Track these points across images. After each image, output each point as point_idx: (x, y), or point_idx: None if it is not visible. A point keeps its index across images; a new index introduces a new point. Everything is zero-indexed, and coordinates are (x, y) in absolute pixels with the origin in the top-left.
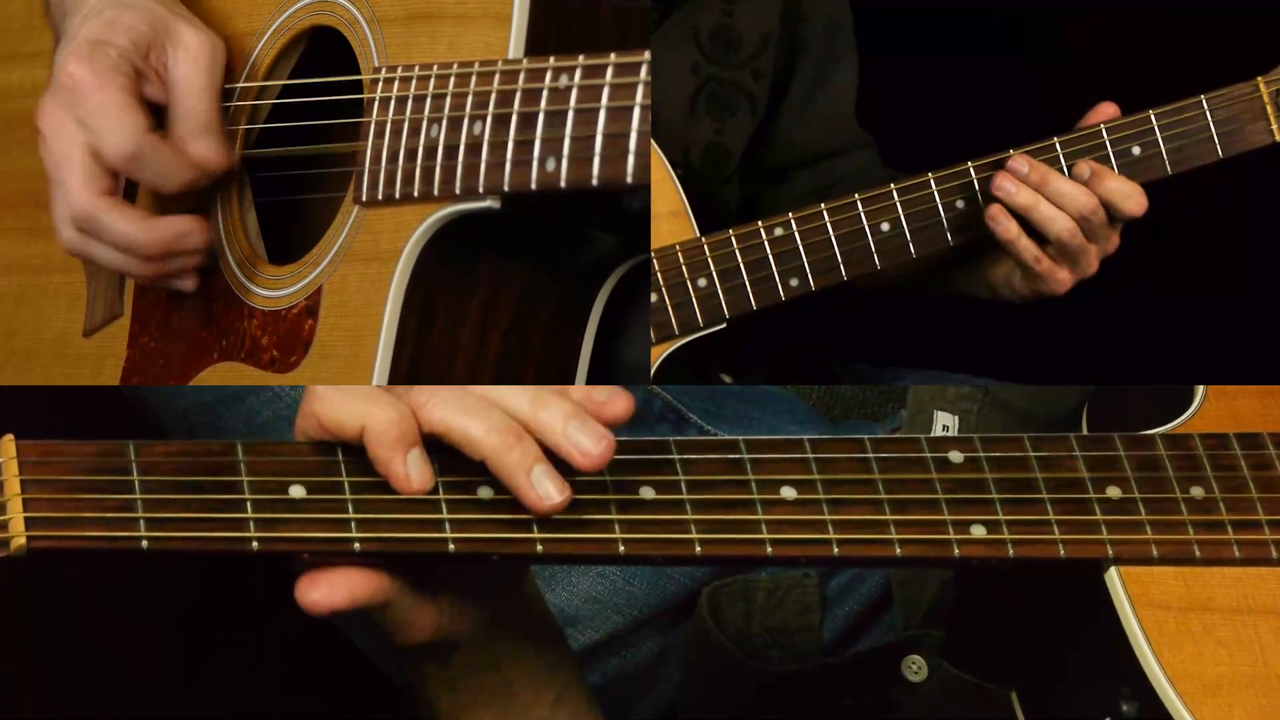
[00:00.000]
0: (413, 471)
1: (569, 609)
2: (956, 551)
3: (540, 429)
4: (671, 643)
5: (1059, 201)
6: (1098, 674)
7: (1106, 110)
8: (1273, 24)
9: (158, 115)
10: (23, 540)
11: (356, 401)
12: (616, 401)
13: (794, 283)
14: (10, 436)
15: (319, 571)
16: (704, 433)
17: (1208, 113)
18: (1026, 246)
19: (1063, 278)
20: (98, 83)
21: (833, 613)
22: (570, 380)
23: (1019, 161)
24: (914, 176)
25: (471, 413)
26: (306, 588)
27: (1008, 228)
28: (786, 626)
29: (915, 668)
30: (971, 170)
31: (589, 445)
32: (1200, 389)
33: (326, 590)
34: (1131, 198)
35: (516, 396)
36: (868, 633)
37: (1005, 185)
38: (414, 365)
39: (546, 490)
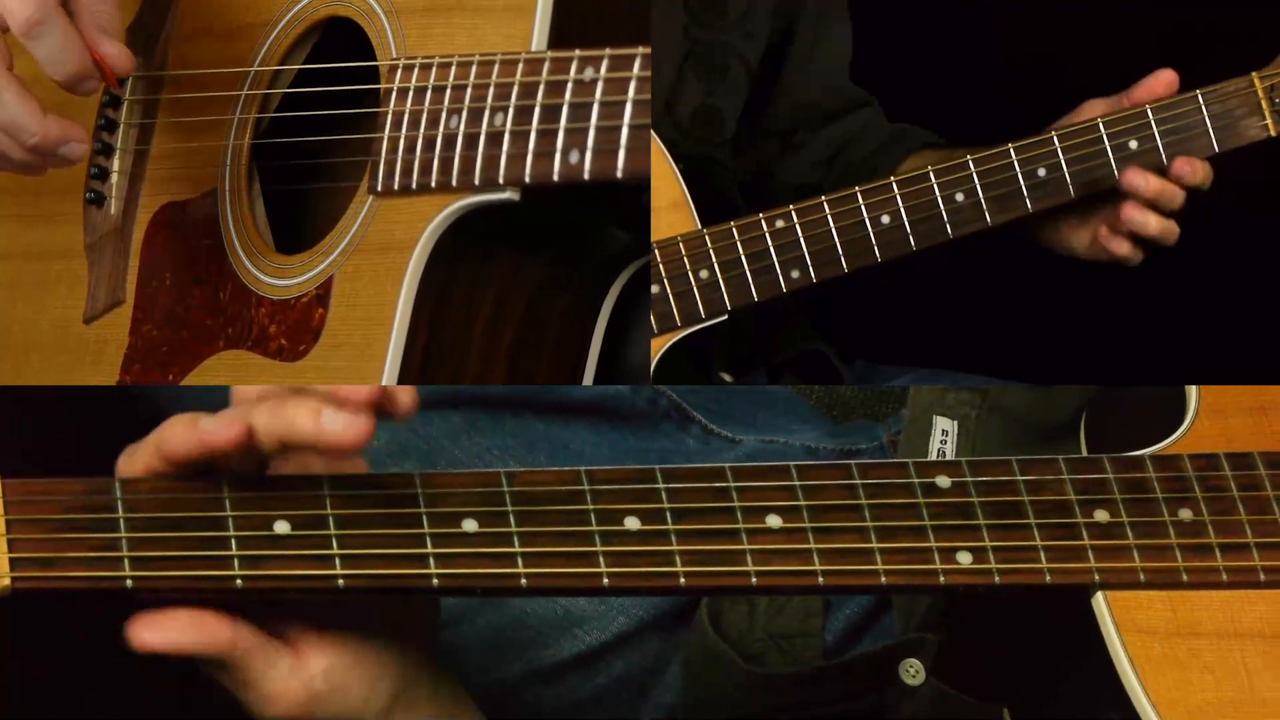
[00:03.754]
0: (209, 425)
1: (575, 610)
2: (942, 580)
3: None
4: (675, 644)
5: (1164, 206)
6: (1086, 698)
7: (1165, 77)
8: (1268, 20)
9: None
10: (7, 581)
11: (144, 441)
12: (401, 397)
13: (795, 274)
14: None
15: (155, 611)
16: (708, 432)
17: (1203, 107)
18: (1135, 254)
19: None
20: None
21: (833, 616)
22: (580, 378)
23: (1135, 178)
24: (916, 171)
25: (252, 411)
26: (137, 626)
27: (1120, 245)
28: (788, 631)
29: (913, 671)
30: (971, 164)
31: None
32: (1192, 403)
33: (152, 629)
34: (1210, 177)
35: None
36: (867, 635)
37: (1135, 217)
38: (427, 355)
39: (338, 424)
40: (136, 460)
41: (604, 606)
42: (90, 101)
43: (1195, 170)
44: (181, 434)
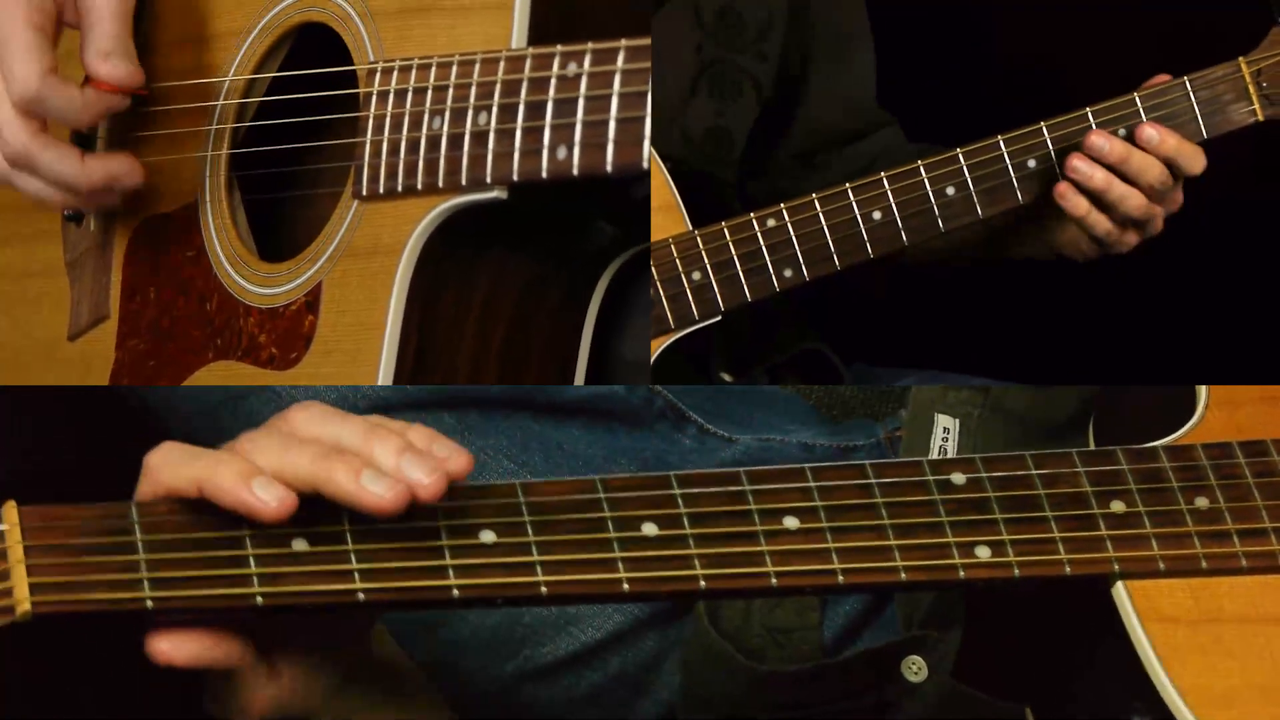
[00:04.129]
0: (262, 494)
1: (570, 608)
2: (962, 574)
3: (372, 459)
4: (672, 641)
5: (1134, 177)
6: (1110, 689)
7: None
8: (1254, 4)
9: None
10: (28, 606)
11: (188, 463)
12: (455, 459)
13: (788, 273)
14: (12, 503)
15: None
16: (704, 432)
17: (1191, 93)
18: (1097, 220)
19: (1130, 240)
20: (8, 19)
21: (832, 612)
22: (571, 373)
23: (1099, 139)
24: (907, 165)
25: (294, 450)
26: (157, 637)
27: (1077, 204)
28: (786, 626)
29: (915, 668)
30: (960, 157)
31: (421, 476)
32: (1202, 397)
33: (174, 643)
34: (1195, 157)
35: (350, 430)
36: (867, 632)
37: (1080, 167)
38: (418, 359)
39: (378, 489)
40: (175, 476)
41: (599, 605)
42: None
43: (1164, 138)
44: (230, 490)
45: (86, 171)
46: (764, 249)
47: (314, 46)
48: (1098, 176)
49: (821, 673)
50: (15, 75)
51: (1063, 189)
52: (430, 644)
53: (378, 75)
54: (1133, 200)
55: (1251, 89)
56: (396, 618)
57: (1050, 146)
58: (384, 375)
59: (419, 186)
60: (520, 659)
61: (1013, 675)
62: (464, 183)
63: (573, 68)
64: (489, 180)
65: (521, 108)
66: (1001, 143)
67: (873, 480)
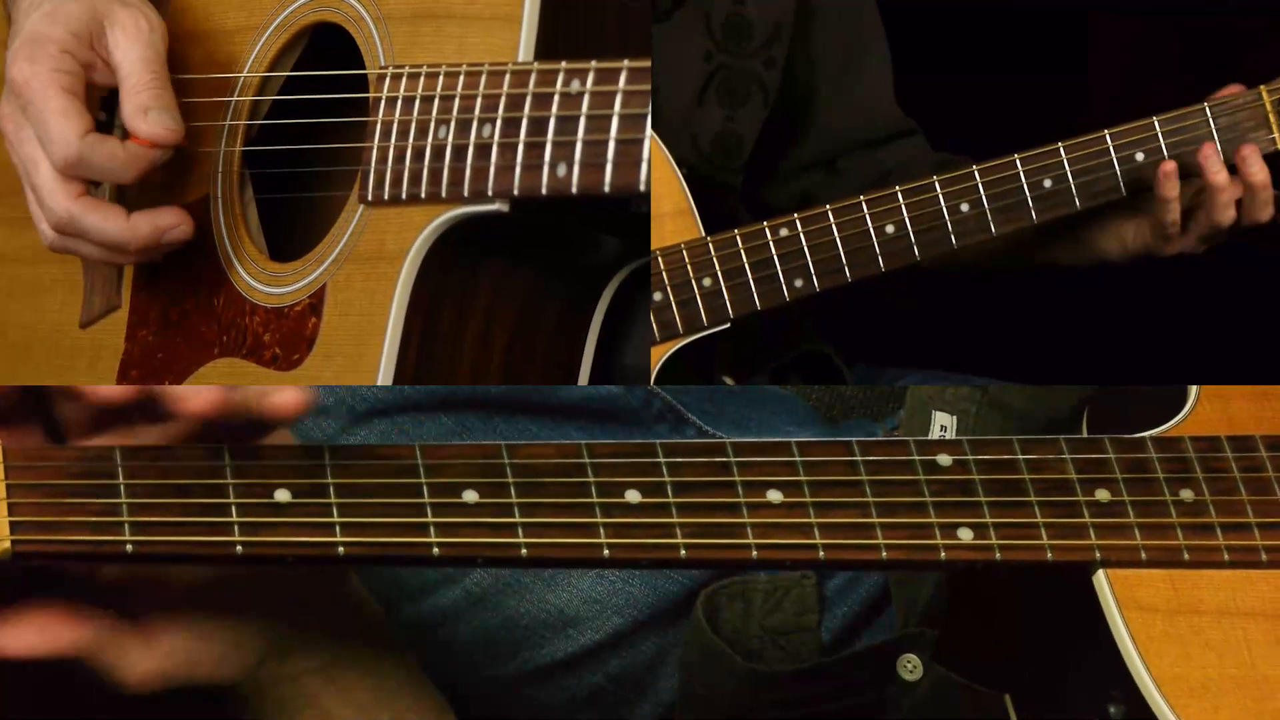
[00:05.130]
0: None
1: (569, 610)
2: (943, 555)
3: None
4: (671, 643)
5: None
6: (1087, 676)
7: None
8: (1276, 32)
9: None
10: (7, 544)
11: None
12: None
13: (798, 283)
14: None
15: (6, 613)
16: (703, 433)
17: (1210, 119)
18: (1173, 212)
19: (1175, 245)
20: (39, 85)
21: (831, 613)
22: (574, 381)
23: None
24: (923, 179)
25: None
26: None
27: (1172, 187)
28: (784, 627)
29: (910, 666)
30: (976, 174)
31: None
32: (1193, 391)
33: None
34: (1268, 206)
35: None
36: (866, 632)
37: (1213, 161)
38: (419, 365)
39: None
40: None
41: (598, 607)
42: None
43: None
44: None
45: (133, 228)
46: (776, 258)
47: (329, 46)
48: (1223, 176)
49: (818, 671)
50: (54, 138)
51: (1170, 168)
52: (428, 645)
53: (387, 80)
54: (1229, 214)
55: (1272, 117)
56: (393, 617)
57: (1067, 167)
58: (383, 381)
59: (423, 195)
60: (518, 661)
61: (991, 662)
62: (466, 194)
63: (575, 85)
64: (490, 193)
65: (524, 123)
66: (1018, 161)
67: (858, 457)
